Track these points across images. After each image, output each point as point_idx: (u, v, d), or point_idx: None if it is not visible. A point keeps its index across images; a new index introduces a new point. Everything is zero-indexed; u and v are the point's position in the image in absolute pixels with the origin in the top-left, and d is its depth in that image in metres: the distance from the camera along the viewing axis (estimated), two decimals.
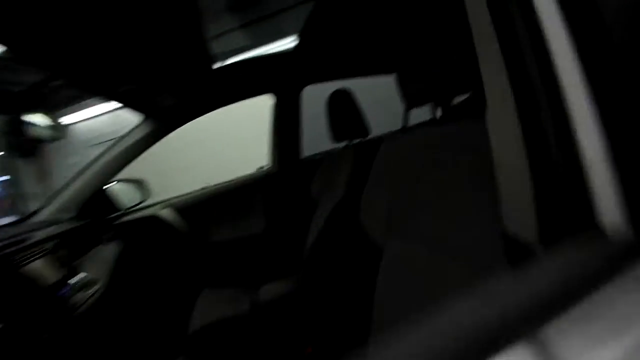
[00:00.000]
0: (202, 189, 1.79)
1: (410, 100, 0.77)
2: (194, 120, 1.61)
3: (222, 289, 1.46)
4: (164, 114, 1.53)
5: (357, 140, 1.39)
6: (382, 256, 0.81)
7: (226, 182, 1.79)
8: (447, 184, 0.64)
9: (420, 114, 0.90)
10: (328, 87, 1.42)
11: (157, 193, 1.77)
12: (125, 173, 1.57)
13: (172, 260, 1.64)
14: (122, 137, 1.53)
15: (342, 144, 1.47)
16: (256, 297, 1.24)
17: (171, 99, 1.48)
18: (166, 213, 1.66)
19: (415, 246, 0.71)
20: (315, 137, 1.77)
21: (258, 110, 1.98)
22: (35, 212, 1.40)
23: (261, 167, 1.84)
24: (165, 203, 1.74)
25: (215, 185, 1.79)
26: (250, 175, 1.81)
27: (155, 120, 1.51)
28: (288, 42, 1.58)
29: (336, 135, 1.42)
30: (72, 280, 1.12)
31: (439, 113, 0.77)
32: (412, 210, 0.73)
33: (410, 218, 0.74)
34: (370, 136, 1.40)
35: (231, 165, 2.19)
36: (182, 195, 1.78)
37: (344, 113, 1.34)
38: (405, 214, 0.76)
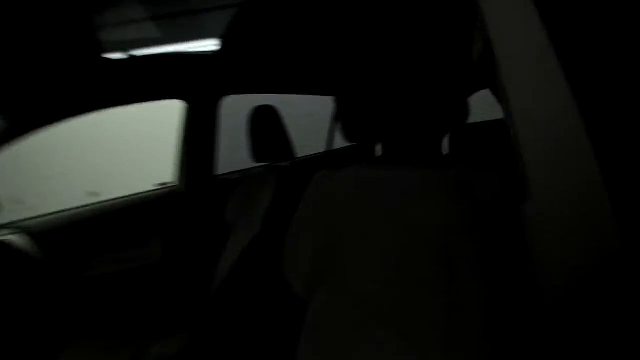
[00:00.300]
0: (77, 207, 1.40)
1: (348, 134, 0.66)
2: (76, 121, 1.25)
3: (96, 342, 1.12)
4: (24, 109, 1.15)
5: (281, 164, 1.24)
6: (305, 312, 0.67)
7: (112, 200, 1.44)
8: (390, 237, 0.54)
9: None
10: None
11: (13, 210, 1.33)
12: None
13: (23, 305, 1.22)
14: None
15: (264, 165, 1.31)
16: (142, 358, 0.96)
17: (36, 91, 1.11)
18: (19, 238, 1.24)
19: (345, 304, 0.59)
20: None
21: (162, 116, 1.69)
22: None
23: (162, 184, 1.54)
24: (20, 224, 1.30)
25: (97, 203, 1.42)
26: (147, 192, 1.49)
27: (11, 117, 1.12)
28: (209, 45, 1.36)
29: (257, 156, 1.25)
30: None
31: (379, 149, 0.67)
32: (345, 261, 0.61)
33: (341, 270, 0.62)
34: (296, 159, 1.27)
35: (121, 178, 1.81)
36: (47, 215, 1.37)
37: (267, 132, 1.19)
38: (335, 264, 0.63)
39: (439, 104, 0.50)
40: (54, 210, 1.37)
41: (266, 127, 1.18)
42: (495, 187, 0.43)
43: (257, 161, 1.27)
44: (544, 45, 0.24)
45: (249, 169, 1.54)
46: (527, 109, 0.25)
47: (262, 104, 1.21)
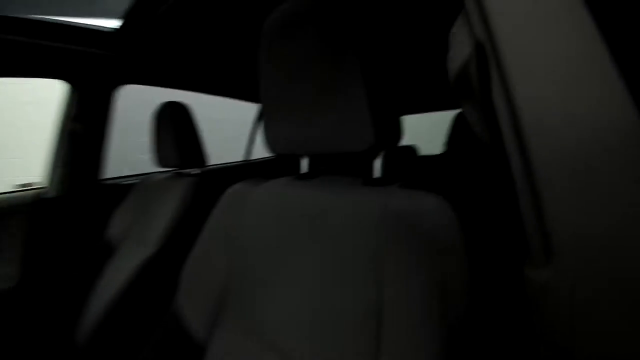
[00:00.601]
0: None
1: (270, 144, 0.57)
2: None
3: None
4: None
5: (191, 171, 1.08)
6: (201, 355, 0.54)
7: None
8: (312, 268, 0.46)
9: None
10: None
11: None
12: None
13: None
14: None
15: (168, 171, 1.12)
16: None
17: None
18: None
19: (251, 348, 0.49)
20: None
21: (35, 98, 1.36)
22: None
23: (25, 186, 1.20)
24: None
25: None
26: (3, 195, 1.14)
27: None
28: (107, 23, 1.13)
29: (162, 159, 1.06)
30: None
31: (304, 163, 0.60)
32: (255, 295, 0.51)
33: (249, 306, 0.52)
34: (208, 166, 1.12)
35: None
36: None
37: (175, 133, 1.01)
38: (243, 299, 0.53)
39: (374, 120, 0.46)
40: None
41: (175, 128, 1.01)
42: (440, 212, 0.39)
43: (162, 166, 1.08)
44: (590, 38, 0.17)
45: (146, 174, 1.31)
46: (557, 139, 0.17)
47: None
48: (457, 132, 1.53)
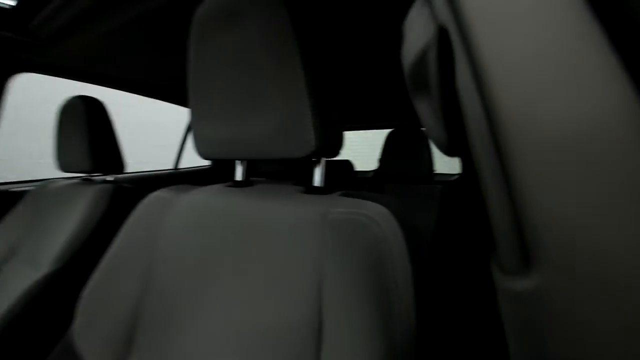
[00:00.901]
0: None
1: (202, 150, 0.51)
2: None
3: None
4: None
5: (105, 177, 0.94)
6: None
7: None
8: (254, 284, 0.41)
9: None
10: None
11: None
12: None
13: None
14: None
15: (74, 177, 0.96)
16: None
17: None
18: None
19: None
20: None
21: None
22: None
23: None
24: None
25: None
26: None
27: None
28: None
29: (67, 163, 0.90)
30: None
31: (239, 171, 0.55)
32: (177, 321, 0.44)
33: (172, 334, 0.44)
34: (126, 173, 0.99)
35: None
36: None
37: (87, 131, 0.87)
38: (163, 327, 0.45)
39: (317, 125, 0.43)
40: None
41: (87, 126, 0.87)
42: (384, 222, 0.37)
43: (66, 170, 0.92)
44: (582, 12, 0.15)
45: (44, 180, 1.11)
46: (543, 128, 0.15)
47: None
48: (390, 149, 1.61)
